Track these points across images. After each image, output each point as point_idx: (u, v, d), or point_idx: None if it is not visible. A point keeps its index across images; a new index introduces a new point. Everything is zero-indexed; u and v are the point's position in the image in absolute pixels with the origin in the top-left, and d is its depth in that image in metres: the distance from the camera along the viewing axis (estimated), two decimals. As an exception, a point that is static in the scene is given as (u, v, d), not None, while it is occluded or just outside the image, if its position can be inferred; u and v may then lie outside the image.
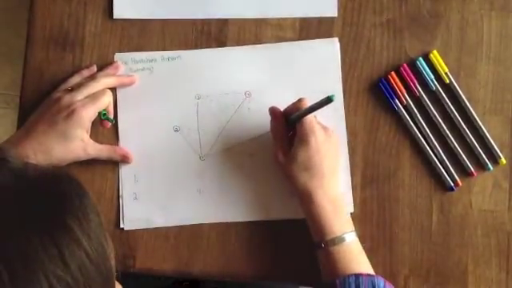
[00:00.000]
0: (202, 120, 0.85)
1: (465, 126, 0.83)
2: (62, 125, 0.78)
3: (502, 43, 0.85)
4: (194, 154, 0.84)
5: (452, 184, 0.83)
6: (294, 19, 0.86)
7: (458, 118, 0.83)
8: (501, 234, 0.83)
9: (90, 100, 0.80)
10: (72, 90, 0.81)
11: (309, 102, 0.77)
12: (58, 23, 0.87)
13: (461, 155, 0.83)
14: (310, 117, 0.77)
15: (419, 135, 0.83)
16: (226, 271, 0.83)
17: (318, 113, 0.77)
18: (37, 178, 0.50)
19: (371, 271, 0.75)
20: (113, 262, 0.53)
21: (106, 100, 0.81)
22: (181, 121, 0.85)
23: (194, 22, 0.86)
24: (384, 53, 0.85)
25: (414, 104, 0.84)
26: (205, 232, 0.84)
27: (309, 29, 0.86)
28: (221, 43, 0.86)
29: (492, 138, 0.83)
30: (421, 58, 0.84)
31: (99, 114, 0.81)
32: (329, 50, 0.85)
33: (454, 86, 0.83)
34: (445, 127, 0.83)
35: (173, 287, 0.98)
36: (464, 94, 0.83)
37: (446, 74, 0.83)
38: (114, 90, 0.84)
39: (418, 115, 0.83)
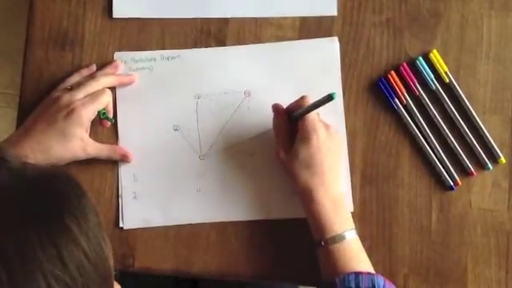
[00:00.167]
0: (201, 119, 0.85)
1: (464, 126, 0.83)
2: (61, 124, 0.78)
3: (502, 42, 0.85)
4: (193, 154, 0.84)
5: (452, 183, 0.83)
6: (294, 18, 0.86)
7: (457, 118, 0.83)
8: (500, 233, 0.83)
9: (90, 99, 0.80)
10: (71, 89, 0.81)
11: (311, 100, 0.77)
12: (58, 22, 0.87)
13: (460, 154, 0.83)
14: (312, 114, 0.77)
15: (419, 134, 0.83)
16: (226, 271, 0.83)
17: (318, 110, 0.77)
18: (35, 178, 0.50)
19: (371, 270, 0.75)
20: (111, 262, 0.53)
21: (106, 99, 0.81)
22: (180, 120, 0.85)
23: (193, 21, 0.86)
24: (384, 52, 0.85)
25: (413, 103, 0.84)
26: (204, 231, 0.84)
27: (308, 28, 0.86)
28: (220, 42, 0.86)
29: (492, 138, 0.83)
30: (420, 58, 0.84)
31: (99, 113, 0.81)
32: (328, 50, 0.85)
33: (454, 86, 0.83)
34: (444, 126, 0.83)
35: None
36: (464, 94, 0.83)
37: (445, 73, 0.83)
38: (113, 89, 0.84)
39: (418, 114, 0.83)
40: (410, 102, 0.84)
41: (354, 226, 0.77)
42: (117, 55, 0.86)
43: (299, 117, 0.78)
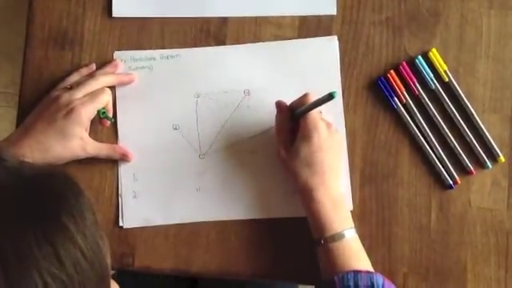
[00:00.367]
0: (201, 118, 0.85)
1: (464, 125, 0.83)
2: (60, 123, 0.78)
3: (501, 41, 0.85)
4: (193, 153, 0.84)
5: (451, 182, 0.83)
6: (293, 17, 0.86)
7: (457, 117, 0.83)
8: (500, 232, 0.83)
9: (89, 98, 0.80)
10: (71, 88, 0.81)
11: (314, 97, 0.77)
12: (57, 21, 0.87)
13: (460, 153, 0.83)
14: (314, 112, 0.77)
15: (418, 133, 0.83)
16: (226, 270, 0.83)
17: (318, 109, 0.77)
18: (32, 177, 0.50)
19: (370, 268, 0.75)
20: (108, 261, 0.53)
21: (105, 98, 0.81)
22: (180, 119, 0.85)
23: (193, 20, 0.86)
24: (383, 51, 0.85)
25: (413, 102, 0.84)
26: (204, 230, 0.84)
27: (308, 27, 0.86)
28: (220, 42, 0.86)
29: (491, 136, 0.83)
30: (420, 57, 0.84)
31: (98, 112, 0.81)
32: (328, 49, 0.85)
33: (453, 85, 0.83)
34: (444, 125, 0.83)
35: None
36: (463, 93, 0.83)
37: (445, 72, 0.83)
38: (113, 88, 0.84)
39: (417, 113, 0.83)
40: (410, 101, 0.84)
41: (353, 225, 0.77)
42: (116, 54, 0.86)
43: (301, 114, 0.78)
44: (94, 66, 0.85)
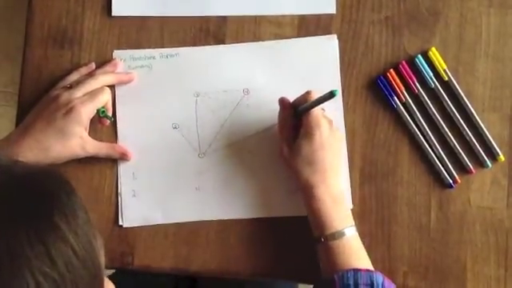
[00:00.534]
0: (200, 117, 0.85)
1: (463, 123, 0.83)
2: (60, 122, 0.78)
3: (501, 40, 0.85)
4: (192, 152, 0.84)
5: (451, 181, 0.83)
6: (293, 16, 0.86)
7: (456, 116, 0.83)
8: (499, 231, 0.83)
9: (89, 97, 0.80)
10: (70, 87, 0.81)
11: (316, 95, 0.77)
12: (57, 21, 0.86)
13: (459, 152, 0.83)
14: (316, 110, 0.77)
15: (418, 132, 0.83)
16: (226, 269, 0.83)
17: (323, 107, 0.77)
18: (24, 176, 0.50)
19: (370, 267, 0.75)
20: (102, 260, 0.53)
21: (105, 97, 0.81)
22: (179, 118, 0.85)
23: (192, 19, 0.86)
24: (383, 50, 0.85)
25: (412, 101, 0.84)
26: (204, 229, 0.84)
27: (307, 26, 0.86)
28: (219, 41, 0.86)
29: (491, 135, 0.83)
30: (419, 56, 0.84)
31: (98, 111, 0.81)
32: (327, 48, 0.85)
33: (453, 84, 0.83)
34: (443, 124, 0.83)
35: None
36: (463, 92, 0.83)
37: (444, 71, 0.83)
38: (112, 87, 0.84)
39: (417, 113, 0.83)
40: (409, 100, 0.84)
41: (353, 223, 0.77)
42: (116, 53, 0.86)
43: (303, 112, 0.78)
44: (93, 65, 0.85)
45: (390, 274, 0.81)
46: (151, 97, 0.85)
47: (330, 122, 0.79)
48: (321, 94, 0.75)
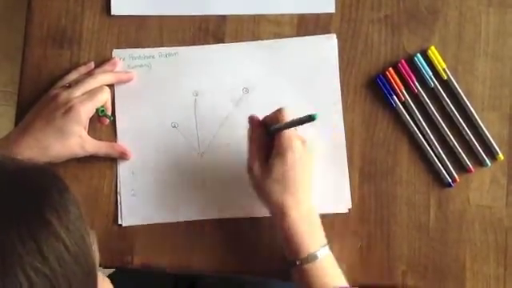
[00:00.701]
0: (199, 116, 0.85)
1: (463, 122, 0.83)
2: (59, 121, 0.78)
3: (500, 39, 0.85)
4: (192, 151, 0.85)
5: (450, 180, 0.83)
6: (292, 15, 0.86)
7: (455, 114, 0.83)
8: (498, 229, 0.83)
9: (88, 97, 0.80)
10: (69, 86, 0.81)
11: (289, 113, 0.75)
12: (56, 20, 0.87)
13: (459, 151, 0.83)
14: (289, 130, 0.75)
15: (417, 131, 0.83)
16: (225, 267, 0.83)
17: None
18: (15, 172, 0.50)
19: (345, 283, 0.74)
20: (96, 255, 0.53)
21: (104, 97, 0.81)
22: (179, 117, 0.85)
23: (192, 18, 0.86)
24: (382, 49, 0.85)
25: (411, 100, 0.84)
26: (203, 228, 0.84)
27: (307, 25, 0.86)
28: (219, 40, 0.86)
29: (490, 134, 0.83)
30: (419, 54, 0.84)
31: (97, 110, 0.81)
32: (327, 47, 0.85)
33: (452, 82, 0.83)
34: (443, 123, 0.83)
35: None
36: (462, 90, 0.83)
37: (443, 70, 0.83)
38: (111, 86, 0.84)
39: (416, 111, 0.83)
40: (409, 99, 0.84)
41: (326, 242, 0.75)
42: (115, 52, 0.86)
43: (276, 131, 0.76)
44: (92, 65, 0.85)
45: (389, 272, 0.82)
46: (150, 96, 0.85)
47: (303, 141, 0.76)
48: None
